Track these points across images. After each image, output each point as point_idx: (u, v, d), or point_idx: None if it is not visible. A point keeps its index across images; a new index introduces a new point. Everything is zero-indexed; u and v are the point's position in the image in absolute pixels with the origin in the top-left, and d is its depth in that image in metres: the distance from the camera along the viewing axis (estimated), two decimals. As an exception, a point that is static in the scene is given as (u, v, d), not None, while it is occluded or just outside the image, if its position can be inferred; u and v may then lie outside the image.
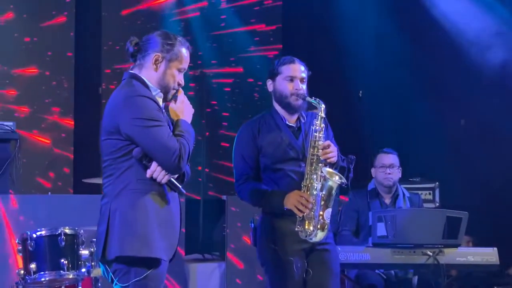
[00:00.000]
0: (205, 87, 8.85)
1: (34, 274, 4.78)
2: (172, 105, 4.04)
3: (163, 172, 3.85)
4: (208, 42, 9.18)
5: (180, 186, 3.95)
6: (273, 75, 4.82)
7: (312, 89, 8.04)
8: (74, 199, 6.92)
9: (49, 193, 6.71)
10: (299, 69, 4.79)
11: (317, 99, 4.69)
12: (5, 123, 6.69)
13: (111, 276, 3.87)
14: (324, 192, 4.52)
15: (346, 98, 8.20)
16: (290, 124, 4.81)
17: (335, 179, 4.52)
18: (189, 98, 4.11)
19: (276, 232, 4.67)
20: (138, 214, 3.82)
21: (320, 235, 4.54)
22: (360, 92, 8.12)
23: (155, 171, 3.85)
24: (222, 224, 7.50)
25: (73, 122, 8.36)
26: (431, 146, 7.75)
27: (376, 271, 6.18)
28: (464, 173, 7.57)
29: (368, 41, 8.56)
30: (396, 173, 6.50)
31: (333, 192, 4.55)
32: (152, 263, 3.82)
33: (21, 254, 4.88)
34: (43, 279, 4.78)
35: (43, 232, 4.86)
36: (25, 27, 8.27)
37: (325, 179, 4.53)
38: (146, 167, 3.85)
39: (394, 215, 5.64)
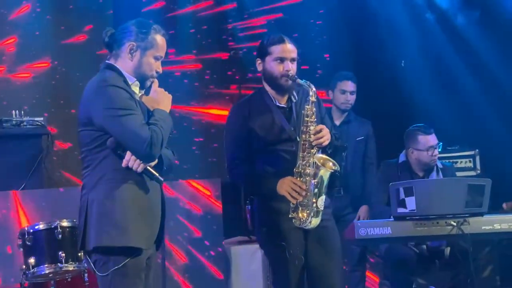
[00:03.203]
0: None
1: (33, 268, 4.84)
2: (145, 97, 4.02)
3: (138, 161, 3.85)
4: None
5: (157, 174, 3.94)
6: (262, 54, 4.68)
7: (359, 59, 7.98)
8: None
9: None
10: (289, 49, 4.62)
11: (307, 82, 4.52)
12: (36, 119, 6.80)
13: (92, 267, 3.91)
14: (316, 180, 4.43)
15: (389, 67, 8.07)
16: (281, 105, 4.69)
17: (328, 167, 4.43)
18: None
19: (272, 214, 4.59)
20: (115, 204, 3.84)
21: (314, 222, 4.46)
22: (403, 61, 7.99)
23: (130, 160, 3.85)
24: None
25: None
26: (469, 111, 7.52)
27: (408, 245, 6.06)
28: (507, 138, 7.31)
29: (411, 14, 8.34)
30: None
31: (326, 179, 4.45)
32: (131, 252, 3.84)
33: (21, 249, 4.95)
34: (43, 273, 4.84)
35: (40, 226, 4.92)
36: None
37: (317, 167, 4.44)
38: (121, 157, 3.86)
39: (412, 187, 5.48)
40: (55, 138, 7.04)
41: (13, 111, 6.80)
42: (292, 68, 4.61)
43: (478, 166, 7.04)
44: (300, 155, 4.50)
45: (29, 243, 4.87)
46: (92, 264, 3.90)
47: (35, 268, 4.84)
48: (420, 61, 8.06)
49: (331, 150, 4.57)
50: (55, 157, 7.27)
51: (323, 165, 4.43)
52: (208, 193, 6.95)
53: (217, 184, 7.06)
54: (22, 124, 6.73)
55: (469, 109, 7.58)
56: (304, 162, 4.48)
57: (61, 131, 7.46)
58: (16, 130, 6.69)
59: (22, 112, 6.80)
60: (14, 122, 6.70)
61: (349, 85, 6.66)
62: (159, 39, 4.03)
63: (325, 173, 4.44)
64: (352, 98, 6.67)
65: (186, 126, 8.40)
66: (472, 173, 7.01)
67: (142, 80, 4.02)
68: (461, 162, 7.02)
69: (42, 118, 6.84)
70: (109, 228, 3.82)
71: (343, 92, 6.64)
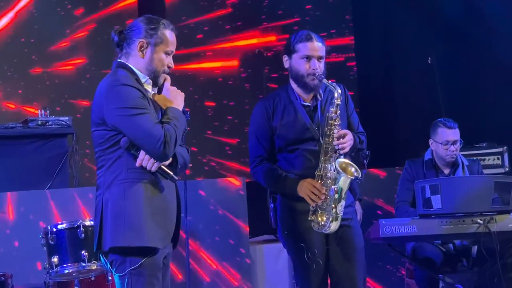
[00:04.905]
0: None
1: (56, 267, 4.84)
2: (157, 95, 3.99)
3: (152, 160, 3.82)
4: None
5: (172, 173, 3.90)
6: (290, 52, 4.62)
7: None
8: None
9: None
10: (317, 48, 4.55)
11: (334, 83, 4.48)
12: (61, 118, 6.81)
13: (109, 267, 3.89)
14: (337, 186, 4.39)
15: (416, 63, 7.98)
16: (306, 104, 4.64)
17: (349, 173, 4.38)
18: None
19: (293, 214, 4.56)
20: (129, 204, 3.81)
21: (333, 226, 4.43)
22: (430, 58, 7.88)
23: (144, 159, 3.83)
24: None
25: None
26: (497, 108, 7.39)
27: (435, 243, 5.96)
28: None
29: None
30: (458, 148, 6.14)
31: (346, 185, 4.41)
32: (147, 251, 3.81)
33: (45, 248, 4.96)
34: (66, 271, 4.84)
35: (63, 225, 4.92)
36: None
37: (338, 172, 4.39)
38: (135, 156, 3.84)
39: (438, 185, 5.39)
40: (84, 138, 7.07)
41: (39, 111, 6.83)
42: (319, 66, 4.56)
43: (506, 164, 6.91)
44: (322, 158, 4.45)
45: (52, 242, 4.89)
46: (109, 265, 3.89)
47: (59, 267, 4.85)
48: (447, 57, 7.95)
49: (354, 153, 4.52)
50: (81, 156, 7.29)
51: (344, 171, 4.38)
52: (234, 191, 6.90)
53: (243, 183, 7.02)
54: (47, 124, 6.75)
55: (497, 105, 7.44)
56: (325, 165, 4.43)
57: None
58: (41, 130, 6.72)
59: (48, 111, 6.82)
60: (39, 122, 6.72)
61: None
62: (169, 34, 3.99)
63: (345, 179, 4.40)
64: None
65: (218, 126, 8.42)
66: (501, 170, 6.88)
67: (154, 76, 3.98)
68: (489, 159, 6.90)
69: (67, 118, 6.85)
70: (124, 229, 3.79)
71: None
